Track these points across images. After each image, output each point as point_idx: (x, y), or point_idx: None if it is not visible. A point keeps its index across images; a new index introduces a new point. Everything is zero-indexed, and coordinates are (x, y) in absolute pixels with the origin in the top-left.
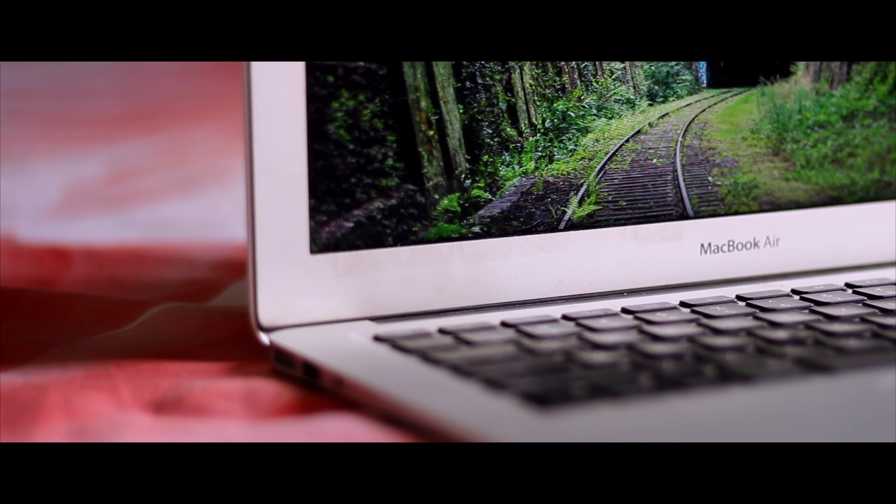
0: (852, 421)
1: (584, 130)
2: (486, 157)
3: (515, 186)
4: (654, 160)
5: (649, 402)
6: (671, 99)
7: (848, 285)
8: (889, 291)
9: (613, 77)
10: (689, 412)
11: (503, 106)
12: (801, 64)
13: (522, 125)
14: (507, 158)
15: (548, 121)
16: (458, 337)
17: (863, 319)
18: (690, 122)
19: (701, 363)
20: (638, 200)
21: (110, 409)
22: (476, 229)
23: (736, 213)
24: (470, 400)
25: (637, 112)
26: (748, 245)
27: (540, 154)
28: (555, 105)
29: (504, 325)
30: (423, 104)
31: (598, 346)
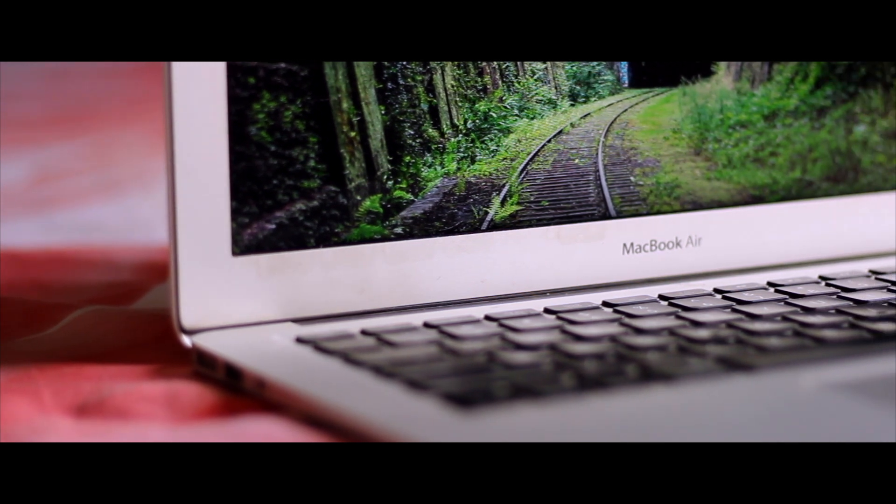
0: (773, 420)
1: (506, 131)
2: (408, 158)
3: (437, 187)
4: (576, 160)
5: (571, 401)
6: (593, 99)
7: (770, 284)
8: (810, 290)
9: (535, 78)
10: (611, 412)
11: (425, 107)
12: (723, 64)
13: (444, 126)
14: (429, 159)
15: (469, 121)
16: (380, 338)
17: (784, 318)
18: (612, 123)
19: (623, 363)
20: (560, 200)
21: (32, 413)
22: (398, 230)
23: (658, 212)
24: (392, 401)
25: (559, 112)
26: (670, 244)
27: (462, 155)
28: (476, 106)
29: (427, 325)
30: (345, 105)
31: (520, 347)
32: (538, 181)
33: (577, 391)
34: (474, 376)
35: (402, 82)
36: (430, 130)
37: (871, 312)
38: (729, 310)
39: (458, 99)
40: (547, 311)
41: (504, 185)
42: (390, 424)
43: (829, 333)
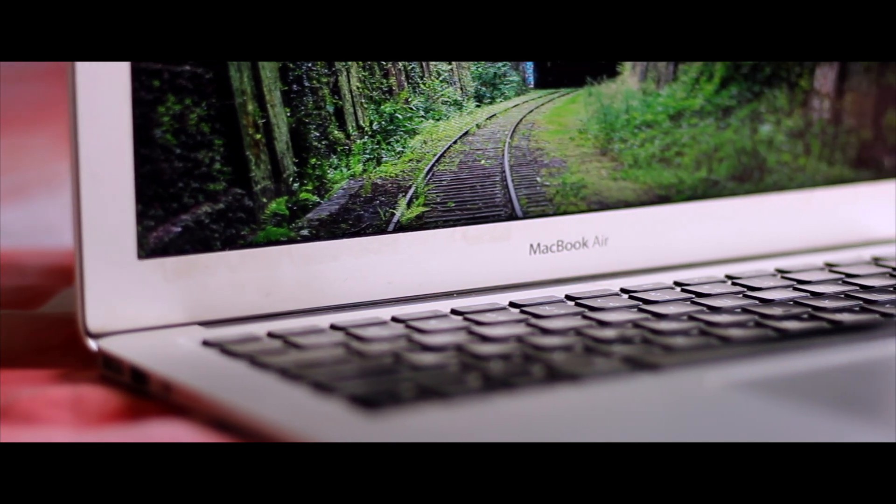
0: (678, 419)
1: (412, 132)
2: (314, 160)
3: (344, 189)
4: (483, 161)
5: (477, 402)
6: (498, 100)
7: (676, 283)
8: (716, 289)
9: (440, 79)
10: (517, 412)
11: (330, 109)
12: (628, 64)
13: (350, 128)
14: (335, 161)
15: (375, 123)
16: (286, 340)
17: (690, 317)
18: (518, 123)
19: (529, 363)
20: (466, 202)
21: None
22: (305, 232)
23: (564, 213)
24: (298, 403)
25: (464, 114)
26: (577, 245)
27: (368, 156)
28: (382, 107)
29: (333, 327)
30: (250, 108)
31: (426, 348)
32: (444, 182)
33: (483, 392)
34: (380, 378)
35: (307, 84)
36: (336, 132)
37: (777, 311)
38: (635, 309)
39: (363, 101)
40: (454, 312)
41: (410, 187)
42: (296, 427)
43: (734, 332)
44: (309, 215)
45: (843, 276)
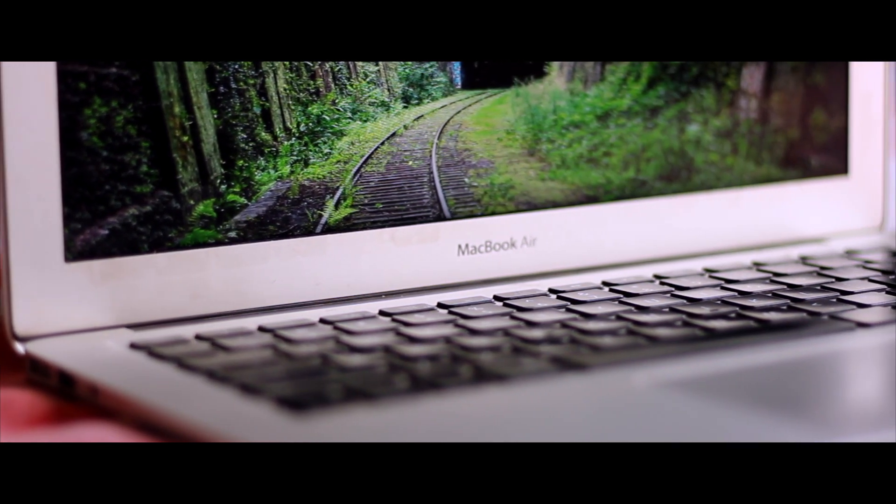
0: (606, 418)
1: (339, 134)
2: (242, 161)
3: (271, 191)
4: (410, 162)
5: (404, 403)
6: (426, 101)
7: (604, 283)
8: (644, 289)
9: (368, 80)
10: (445, 412)
11: (257, 110)
12: (555, 64)
13: (277, 129)
14: (263, 163)
15: (302, 125)
16: (214, 343)
17: (618, 317)
18: (446, 124)
19: (457, 364)
20: (394, 203)
21: None
22: (232, 234)
23: (493, 213)
24: (225, 406)
25: (392, 115)
26: (505, 245)
27: (295, 158)
28: (309, 109)
29: (261, 329)
30: (177, 110)
31: (354, 349)
32: (372, 183)
33: (410, 393)
34: (308, 379)
35: (234, 86)
36: (263, 134)
37: (705, 310)
38: (563, 310)
39: (290, 102)
40: (382, 313)
41: (338, 188)
42: (223, 429)
43: (662, 332)
44: (236, 217)
45: (770, 275)
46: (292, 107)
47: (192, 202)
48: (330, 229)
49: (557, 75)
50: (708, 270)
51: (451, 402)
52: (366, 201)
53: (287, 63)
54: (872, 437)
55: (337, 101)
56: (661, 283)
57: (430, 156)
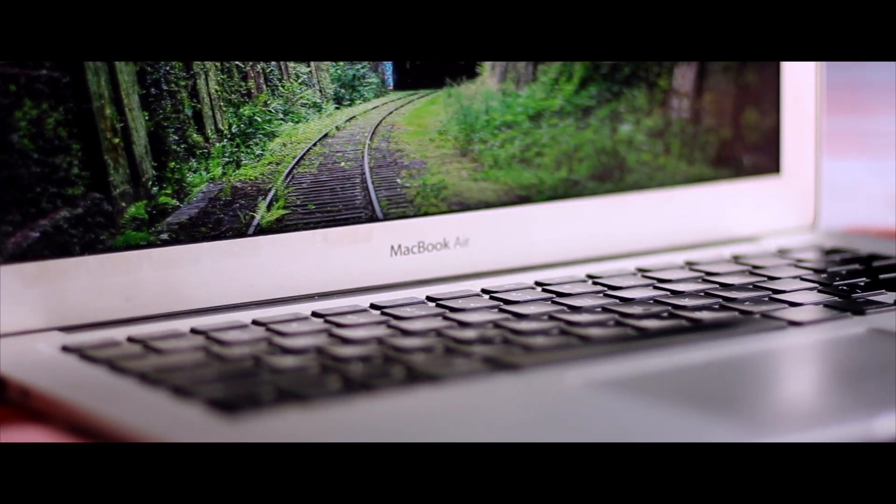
0: (538, 418)
1: (271, 135)
2: (173, 163)
3: (203, 193)
4: (342, 163)
5: (336, 404)
6: (358, 102)
7: (537, 283)
8: (577, 289)
9: (299, 81)
10: (377, 413)
11: (189, 112)
12: (487, 65)
13: (209, 131)
14: (194, 164)
15: (234, 126)
16: (147, 345)
17: (551, 317)
18: (378, 125)
19: (389, 365)
20: (327, 204)
21: None
22: (164, 236)
23: (425, 214)
24: (157, 408)
25: (324, 116)
26: (438, 246)
27: (227, 160)
28: (241, 110)
29: (194, 331)
30: (108, 112)
31: (287, 351)
32: (304, 185)
33: (342, 394)
34: (240, 381)
35: (165, 87)
36: (195, 136)
37: (637, 310)
38: (496, 310)
39: (222, 103)
40: (315, 314)
41: (270, 190)
42: (154, 431)
43: (594, 331)
44: (169, 219)
45: (703, 274)
46: (224, 108)
47: (123, 204)
48: (262, 231)
49: (489, 76)
50: (641, 270)
51: (383, 402)
52: (298, 202)
53: (218, 65)
54: (803, 436)
55: (269, 102)
56: (594, 283)
57: (363, 157)
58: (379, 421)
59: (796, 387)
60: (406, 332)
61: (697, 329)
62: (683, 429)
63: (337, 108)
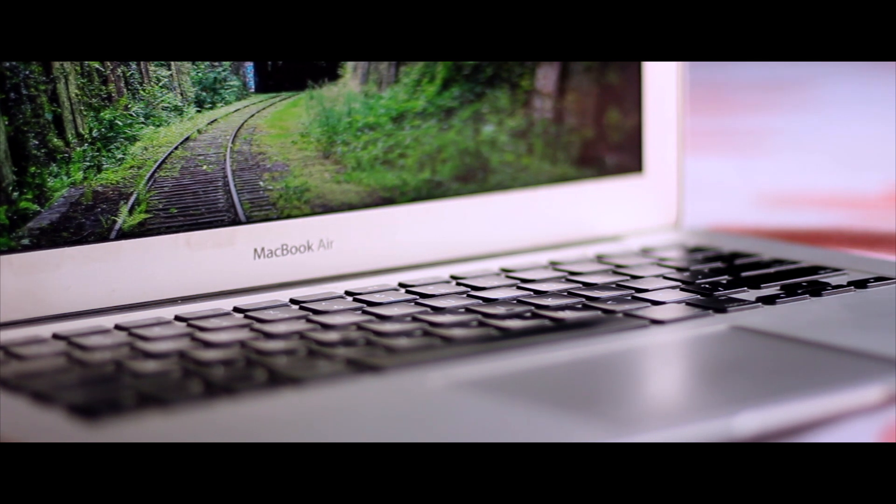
0: (400, 419)
1: (133, 139)
2: (34, 168)
3: (64, 197)
4: (205, 167)
5: (198, 408)
6: (219, 105)
7: (401, 285)
8: (441, 289)
9: (160, 84)
10: (239, 417)
11: (49, 116)
12: (349, 66)
13: (69, 135)
14: (55, 169)
15: (95, 130)
16: (7, 351)
17: (414, 318)
18: (240, 128)
19: (251, 368)
20: (189, 207)
21: None
22: (25, 241)
23: (288, 217)
24: (18, 414)
25: (185, 119)
26: (302, 248)
27: (88, 164)
28: (102, 114)
29: (56, 337)
30: None
31: (149, 355)
32: (166, 189)
33: (204, 398)
34: (101, 386)
35: (24, 92)
36: (55, 140)
37: (500, 310)
38: (359, 312)
39: (82, 108)
40: (178, 318)
41: (132, 194)
42: (14, 437)
43: (457, 332)
44: (29, 224)
45: (566, 273)
46: (84, 112)
47: None
48: (124, 235)
49: (351, 77)
50: (504, 270)
51: (245, 406)
52: (160, 206)
53: (79, 68)
54: (665, 435)
55: (130, 106)
56: (458, 284)
57: (225, 160)
58: (240, 424)
59: (658, 385)
60: (269, 335)
61: (560, 329)
62: (546, 429)
63: (198, 112)
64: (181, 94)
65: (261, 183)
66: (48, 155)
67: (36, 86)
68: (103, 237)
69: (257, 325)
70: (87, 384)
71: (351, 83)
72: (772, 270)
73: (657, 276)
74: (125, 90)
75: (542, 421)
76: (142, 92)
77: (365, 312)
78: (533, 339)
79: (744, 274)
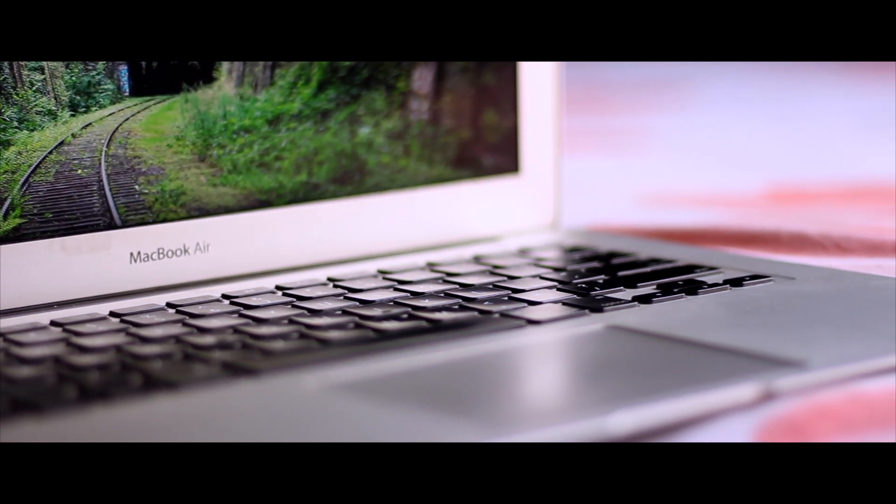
0: (275, 421)
1: (6, 143)
2: None
3: None
4: (80, 171)
5: (72, 414)
6: (94, 109)
7: (278, 288)
8: (318, 292)
9: (34, 89)
10: (113, 421)
11: None
12: (224, 69)
13: None
14: None
15: None
16: None
17: (290, 321)
18: (114, 132)
19: (126, 372)
20: (64, 212)
21: None
22: None
23: (164, 220)
24: None
25: (60, 123)
26: (178, 252)
27: None
28: None
29: None
30: None
31: (23, 361)
32: (41, 193)
33: (79, 403)
34: None
35: None
36: None
37: (377, 312)
38: (236, 315)
39: None
40: (53, 323)
41: (6, 199)
42: None
43: (333, 334)
44: None
45: (443, 275)
46: None
47: None
48: None
49: (227, 80)
50: (382, 272)
51: (120, 410)
52: (35, 211)
53: None
54: (540, 434)
55: (2, 110)
56: (335, 286)
57: (100, 164)
58: (115, 429)
59: (534, 385)
60: (145, 340)
61: (436, 330)
62: (422, 429)
63: (73, 116)
64: (55, 98)
65: (136, 187)
66: None
67: None
68: None
69: (133, 330)
70: None
71: (226, 86)
72: (648, 270)
73: (534, 276)
74: None
75: (419, 422)
76: (15, 96)
77: (241, 315)
78: (409, 340)
79: (620, 273)
